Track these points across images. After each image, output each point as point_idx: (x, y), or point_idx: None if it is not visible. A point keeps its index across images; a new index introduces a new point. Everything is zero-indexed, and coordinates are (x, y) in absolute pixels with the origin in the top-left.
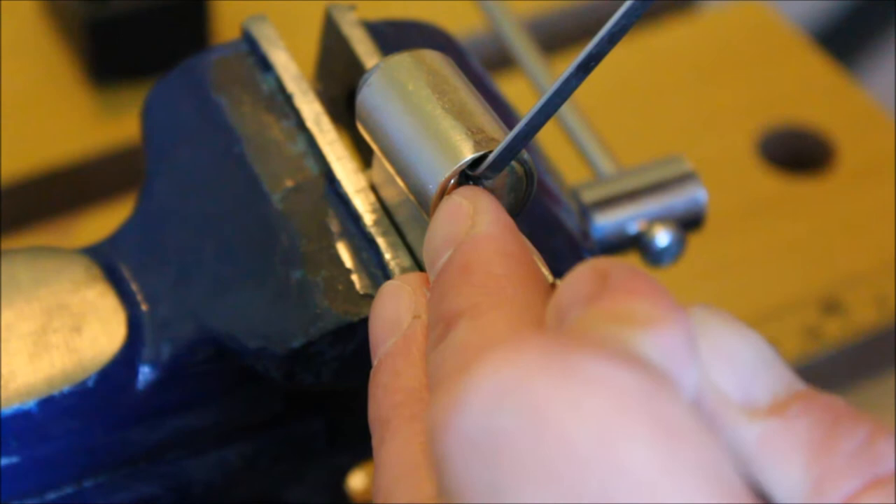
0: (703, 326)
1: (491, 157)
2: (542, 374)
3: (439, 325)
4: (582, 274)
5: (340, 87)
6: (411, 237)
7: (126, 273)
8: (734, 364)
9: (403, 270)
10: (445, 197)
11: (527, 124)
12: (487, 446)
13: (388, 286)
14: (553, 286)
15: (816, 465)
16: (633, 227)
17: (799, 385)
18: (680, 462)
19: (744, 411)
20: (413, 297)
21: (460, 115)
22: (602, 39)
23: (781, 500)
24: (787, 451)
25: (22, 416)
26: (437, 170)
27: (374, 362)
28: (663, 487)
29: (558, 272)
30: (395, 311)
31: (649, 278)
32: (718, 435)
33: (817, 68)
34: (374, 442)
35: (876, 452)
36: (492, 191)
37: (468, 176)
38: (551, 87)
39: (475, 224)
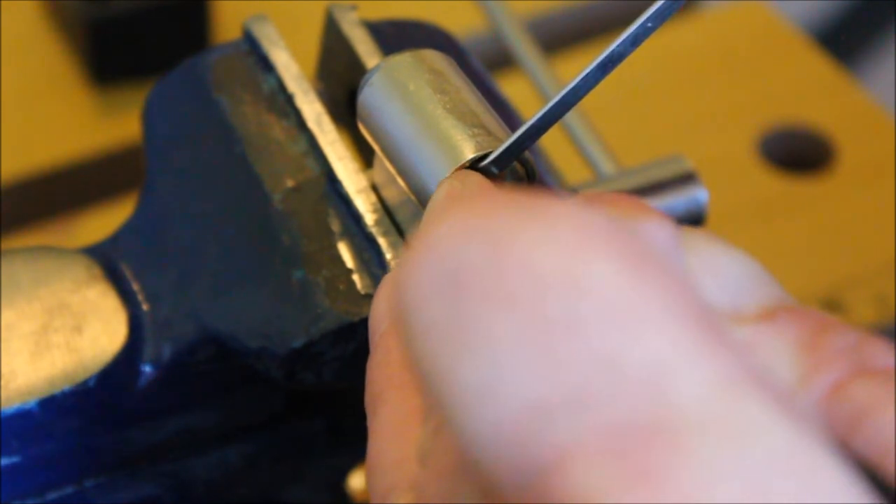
0: (690, 242)
1: (497, 152)
2: (508, 212)
3: None
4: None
5: (341, 87)
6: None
7: (127, 273)
8: (721, 277)
9: None
10: (438, 183)
11: (538, 120)
12: (451, 283)
13: (384, 279)
14: None
15: (804, 361)
16: None
17: (789, 300)
18: (646, 283)
19: (731, 318)
20: None
21: (461, 114)
22: (625, 40)
23: None
24: (773, 351)
25: (23, 416)
26: (438, 170)
27: (371, 349)
28: (629, 305)
29: None
30: (391, 297)
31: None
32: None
33: (817, 68)
34: (368, 418)
35: (864, 351)
36: None
37: None
38: (566, 85)
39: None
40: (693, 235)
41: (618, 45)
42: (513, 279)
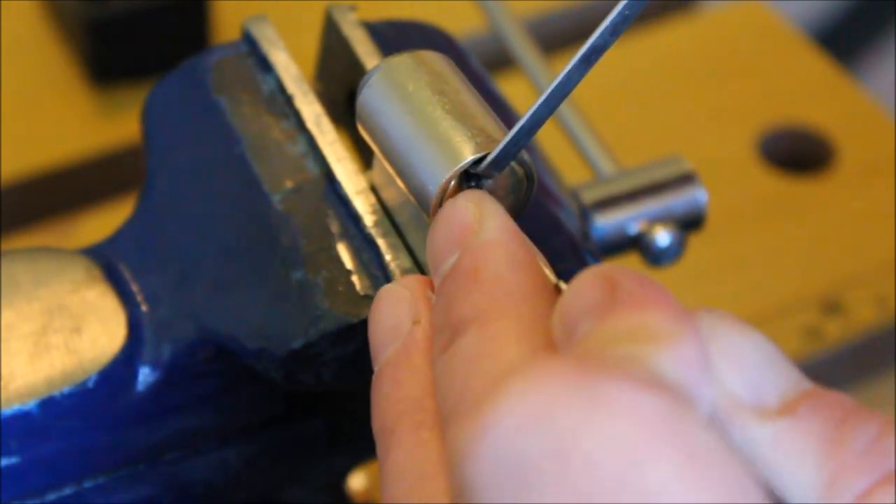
0: (711, 331)
1: (494, 153)
2: (568, 401)
3: (446, 331)
4: (588, 281)
5: (341, 87)
6: (412, 238)
7: (126, 273)
8: (743, 366)
9: (404, 272)
10: (449, 200)
11: (530, 118)
12: (516, 473)
13: (385, 291)
14: (557, 288)
15: (828, 464)
16: (633, 228)
17: (806, 383)
18: (705, 483)
19: (755, 413)
20: (412, 302)
21: (461, 116)
22: (604, 31)
23: (796, 499)
24: (799, 451)
25: (22, 417)
26: (437, 171)
27: (375, 369)
28: None
29: (558, 273)
30: (395, 317)
31: (657, 286)
32: (736, 451)
33: (817, 68)
34: (380, 451)
35: (885, 449)
36: (492, 192)
37: (469, 177)
38: (554, 80)
39: (482, 229)
40: (713, 322)
41: (598, 37)
42: (577, 479)
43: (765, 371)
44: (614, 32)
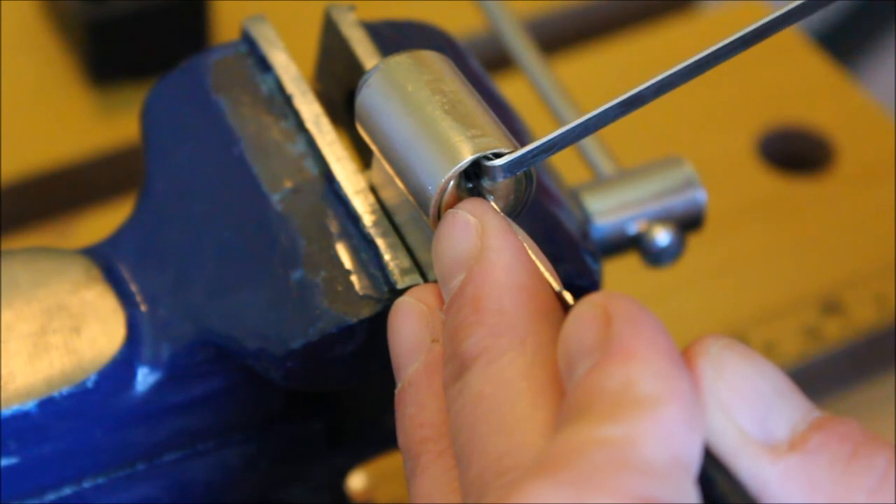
0: (719, 362)
1: (510, 158)
2: None
3: (454, 361)
4: (585, 316)
5: (340, 87)
6: (411, 238)
7: (125, 274)
8: (751, 399)
9: (403, 272)
10: (450, 211)
11: (560, 135)
12: None
13: (403, 304)
14: (560, 297)
15: (838, 497)
16: (633, 228)
17: (815, 412)
18: None
19: (765, 449)
20: (430, 319)
21: (460, 116)
22: (677, 72)
23: None
24: (808, 490)
25: (21, 417)
26: (436, 171)
27: (398, 385)
28: None
29: (558, 273)
30: (414, 333)
31: (649, 326)
32: None
33: (817, 68)
34: (406, 471)
35: (893, 486)
36: (492, 192)
37: (468, 176)
38: (604, 105)
39: (484, 247)
40: (721, 353)
41: (670, 74)
42: None
43: (774, 402)
44: (666, 87)
